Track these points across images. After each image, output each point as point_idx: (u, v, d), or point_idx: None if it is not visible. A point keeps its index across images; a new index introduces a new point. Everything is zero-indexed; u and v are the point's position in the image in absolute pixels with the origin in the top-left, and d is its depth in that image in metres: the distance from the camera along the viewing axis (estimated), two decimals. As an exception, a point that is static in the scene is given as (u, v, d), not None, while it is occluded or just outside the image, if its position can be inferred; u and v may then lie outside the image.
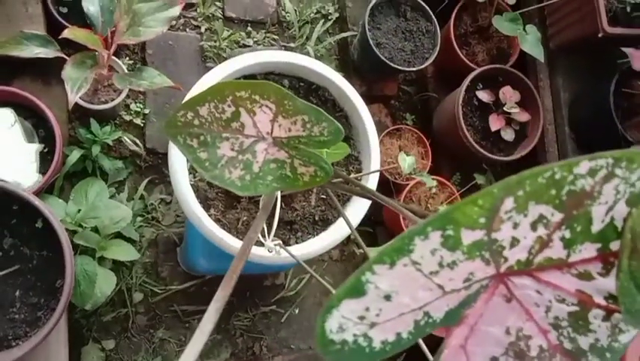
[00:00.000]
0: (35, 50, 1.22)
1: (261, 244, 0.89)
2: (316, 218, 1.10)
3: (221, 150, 0.68)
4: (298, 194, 1.09)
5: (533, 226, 0.35)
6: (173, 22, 1.24)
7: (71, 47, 1.29)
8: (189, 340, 0.39)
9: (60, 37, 1.12)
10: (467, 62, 1.71)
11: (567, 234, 0.36)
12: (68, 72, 1.11)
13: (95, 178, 1.41)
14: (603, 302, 0.38)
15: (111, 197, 1.45)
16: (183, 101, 0.69)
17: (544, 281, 0.38)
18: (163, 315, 1.55)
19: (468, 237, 0.34)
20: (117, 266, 1.46)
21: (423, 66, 1.67)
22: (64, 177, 1.40)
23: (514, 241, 0.36)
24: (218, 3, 1.75)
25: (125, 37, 1.19)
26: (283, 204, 1.08)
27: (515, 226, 0.35)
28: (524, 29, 1.61)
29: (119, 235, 1.40)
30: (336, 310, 0.32)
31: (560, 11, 1.69)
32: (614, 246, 0.36)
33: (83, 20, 1.38)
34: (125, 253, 1.36)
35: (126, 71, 1.42)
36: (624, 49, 1.52)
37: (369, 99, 1.14)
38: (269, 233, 0.84)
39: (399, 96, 1.88)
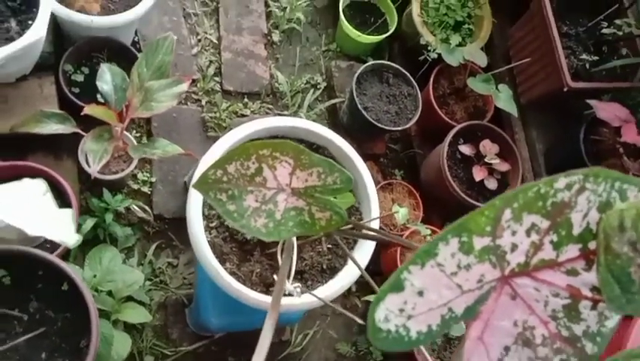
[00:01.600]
0: (54, 127, 1.32)
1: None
2: (324, 267, 1.18)
3: (247, 202, 0.78)
4: (307, 245, 1.17)
5: (528, 233, 0.45)
6: (176, 97, 1.38)
7: (83, 123, 1.39)
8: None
9: (82, 113, 1.23)
10: (447, 119, 1.86)
11: (555, 238, 0.45)
12: (89, 145, 1.21)
13: (107, 245, 1.48)
14: (590, 294, 0.47)
15: (122, 263, 1.51)
16: (208, 162, 0.79)
17: (540, 280, 0.47)
18: (173, 378, 1.57)
19: (478, 243, 0.43)
20: (128, 330, 1.50)
21: (407, 126, 1.81)
22: (77, 245, 1.46)
23: (514, 246, 0.45)
24: (216, 78, 1.90)
25: (139, 111, 1.30)
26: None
27: (514, 233, 0.44)
28: (497, 88, 1.77)
29: (130, 299, 1.46)
30: (382, 303, 0.40)
31: (527, 70, 1.87)
32: (592, 245, 0.46)
33: (93, 98, 1.50)
34: (138, 315, 1.41)
35: (135, 142, 1.53)
36: (589, 101, 1.69)
37: (360, 158, 1.28)
38: (288, 278, 0.92)
39: (387, 154, 2.02)
